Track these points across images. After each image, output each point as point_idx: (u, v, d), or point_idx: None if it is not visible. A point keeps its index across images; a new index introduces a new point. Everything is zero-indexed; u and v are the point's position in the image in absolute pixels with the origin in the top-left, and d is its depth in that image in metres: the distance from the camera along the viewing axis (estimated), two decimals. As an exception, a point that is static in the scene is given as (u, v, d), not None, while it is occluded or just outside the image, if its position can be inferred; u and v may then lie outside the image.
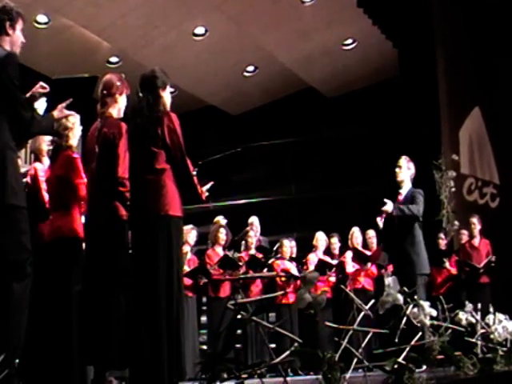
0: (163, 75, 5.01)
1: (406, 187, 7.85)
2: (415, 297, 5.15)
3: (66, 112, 4.47)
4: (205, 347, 9.91)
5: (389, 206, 7.67)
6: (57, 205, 5.56)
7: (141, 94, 4.94)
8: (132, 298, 4.74)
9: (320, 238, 10.71)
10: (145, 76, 5.00)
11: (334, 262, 10.60)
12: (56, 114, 4.41)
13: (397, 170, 7.86)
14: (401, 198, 7.84)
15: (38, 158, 5.94)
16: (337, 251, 10.90)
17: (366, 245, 10.87)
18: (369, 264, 10.53)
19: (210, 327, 9.63)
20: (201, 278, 9.34)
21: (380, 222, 8.05)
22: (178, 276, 4.69)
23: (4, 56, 4.19)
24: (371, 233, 10.86)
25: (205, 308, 10.21)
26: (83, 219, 5.57)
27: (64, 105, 4.42)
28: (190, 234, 9.39)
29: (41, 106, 4.53)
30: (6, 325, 3.92)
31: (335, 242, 10.93)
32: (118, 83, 5.41)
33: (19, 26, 4.37)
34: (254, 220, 10.63)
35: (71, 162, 5.61)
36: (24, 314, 4.04)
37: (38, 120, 4.27)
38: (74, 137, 5.75)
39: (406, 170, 7.86)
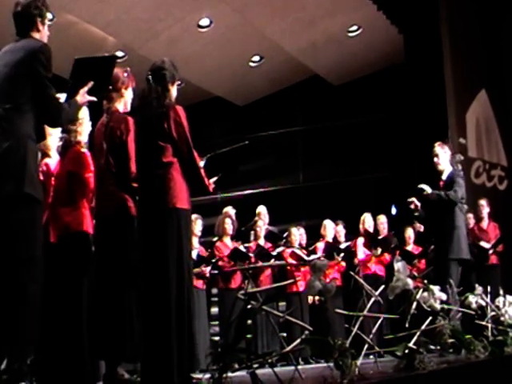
0: (173, 69, 4.98)
1: (446, 171, 7.85)
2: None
3: (88, 97, 4.45)
4: (217, 338, 9.95)
5: (426, 187, 7.69)
6: (66, 200, 5.57)
7: (151, 82, 4.92)
8: (143, 292, 4.78)
9: (328, 227, 10.72)
10: (155, 67, 4.99)
11: (342, 247, 10.63)
12: (79, 99, 4.38)
13: (435, 159, 7.84)
14: (442, 183, 7.85)
15: (46, 154, 5.95)
16: (343, 238, 10.93)
17: (376, 231, 10.88)
18: (379, 250, 10.55)
19: (221, 318, 9.67)
20: (205, 268, 9.30)
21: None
22: (188, 268, 4.71)
23: (39, 47, 4.24)
24: (383, 218, 10.87)
25: (215, 299, 10.25)
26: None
27: (86, 89, 4.39)
28: (196, 223, 9.30)
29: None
30: (19, 323, 3.94)
31: (341, 230, 10.96)
32: (124, 77, 5.41)
33: (47, 20, 4.45)
34: (262, 209, 10.63)
35: (80, 157, 5.61)
36: (37, 312, 4.05)
37: (66, 110, 4.29)
38: (83, 132, 5.75)
39: (443, 156, 7.86)
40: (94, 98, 4.49)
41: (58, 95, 4.39)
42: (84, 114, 5.71)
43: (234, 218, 9.97)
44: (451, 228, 7.54)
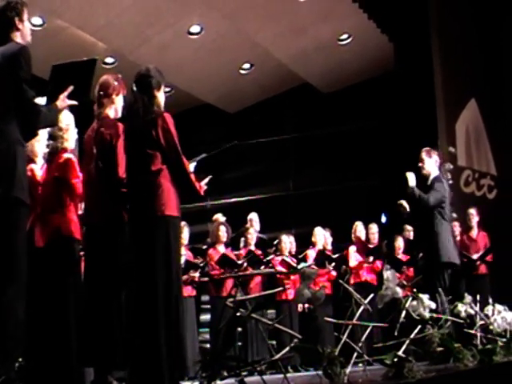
0: (158, 75, 4.98)
1: (431, 176, 7.84)
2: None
3: (69, 102, 4.44)
4: (207, 346, 9.93)
5: (411, 180, 7.66)
6: (54, 206, 5.57)
7: (136, 91, 4.92)
8: (132, 299, 4.76)
9: (318, 234, 10.72)
10: (139, 75, 4.98)
11: (334, 256, 10.62)
12: (59, 103, 4.36)
13: (419, 164, 7.84)
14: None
15: (31, 160, 5.94)
16: (329, 246, 10.93)
17: (367, 239, 10.90)
18: (371, 257, 10.56)
19: (212, 326, 9.65)
20: (193, 273, 9.24)
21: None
22: (177, 275, 4.70)
23: (18, 49, 4.21)
24: (374, 228, 10.89)
25: (207, 307, 10.21)
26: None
27: (66, 94, 4.37)
28: (183, 231, 9.22)
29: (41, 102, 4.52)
30: (1, 328, 3.92)
31: (328, 237, 10.97)
32: (115, 83, 5.43)
33: (26, 15, 4.37)
34: (253, 216, 10.64)
35: (67, 163, 5.62)
36: (20, 316, 4.03)
37: (44, 113, 4.27)
38: (69, 138, 5.75)
39: (428, 162, 7.84)
40: (74, 102, 4.47)
41: (38, 99, 4.37)
42: (69, 120, 5.73)
43: (227, 225, 9.94)
44: (433, 234, 7.54)
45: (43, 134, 5.75)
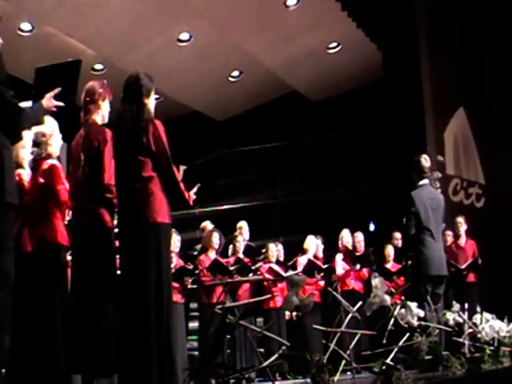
0: (147, 81, 4.95)
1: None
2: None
3: (55, 102, 4.41)
4: (196, 353, 9.89)
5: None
6: (40, 214, 5.54)
7: (124, 100, 4.90)
8: (121, 306, 4.74)
9: (310, 242, 10.69)
10: (128, 83, 4.96)
11: (324, 266, 10.60)
12: (45, 102, 4.30)
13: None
14: None
15: (19, 165, 5.91)
16: (321, 253, 10.91)
17: (354, 248, 10.88)
18: (358, 265, 10.55)
19: (201, 333, 9.61)
20: (187, 281, 9.23)
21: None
22: (168, 283, 4.69)
23: None
24: (360, 236, 10.87)
25: (196, 314, 10.18)
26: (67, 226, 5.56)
27: (52, 93, 4.33)
28: (174, 239, 9.19)
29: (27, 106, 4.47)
30: None
31: (319, 245, 10.95)
32: (100, 90, 5.40)
33: None
34: (243, 224, 10.62)
35: (51, 169, 5.58)
36: (6, 322, 3.99)
37: (27, 112, 4.19)
38: (53, 144, 5.72)
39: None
40: (61, 103, 4.43)
41: (24, 103, 4.33)
42: (54, 126, 5.70)
43: (220, 233, 9.92)
44: (416, 248, 7.53)
45: (28, 139, 5.73)
